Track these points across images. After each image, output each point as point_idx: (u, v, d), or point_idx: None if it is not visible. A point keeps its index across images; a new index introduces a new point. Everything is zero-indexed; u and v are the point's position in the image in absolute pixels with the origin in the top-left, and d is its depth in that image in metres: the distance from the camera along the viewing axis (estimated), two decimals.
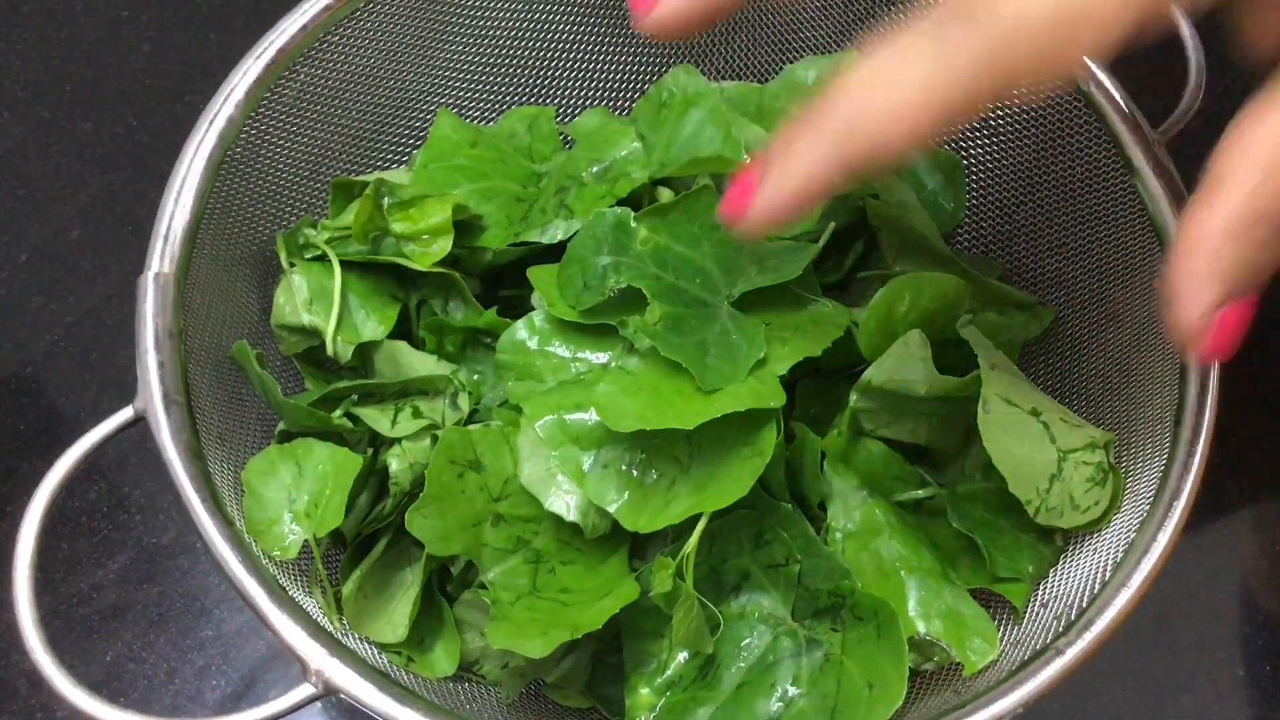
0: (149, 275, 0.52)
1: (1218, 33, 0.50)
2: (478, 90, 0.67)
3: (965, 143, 0.65)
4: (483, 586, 0.53)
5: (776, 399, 0.51)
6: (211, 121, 0.55)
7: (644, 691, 0.55)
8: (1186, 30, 0.59)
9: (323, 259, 0.59)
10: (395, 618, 0.54)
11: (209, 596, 0.66)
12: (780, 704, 0.53)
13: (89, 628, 0.65)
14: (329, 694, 0.46)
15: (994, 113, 0.63)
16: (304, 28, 0.58)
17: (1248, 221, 0.38)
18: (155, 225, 0.53)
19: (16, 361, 0.72)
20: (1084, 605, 0.49)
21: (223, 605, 0.66)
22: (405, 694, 0.46)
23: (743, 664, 0.54)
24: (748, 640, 0.55)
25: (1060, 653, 0.48)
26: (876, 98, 0.38)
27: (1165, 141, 0.57)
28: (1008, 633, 0.54)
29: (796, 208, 0.41)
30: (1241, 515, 0.69)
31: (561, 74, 0.68)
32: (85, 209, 0.76)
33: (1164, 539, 0.49)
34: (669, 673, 0.55)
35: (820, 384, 0.60)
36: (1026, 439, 0.52)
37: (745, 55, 0.68)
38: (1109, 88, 0.57)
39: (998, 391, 0.52)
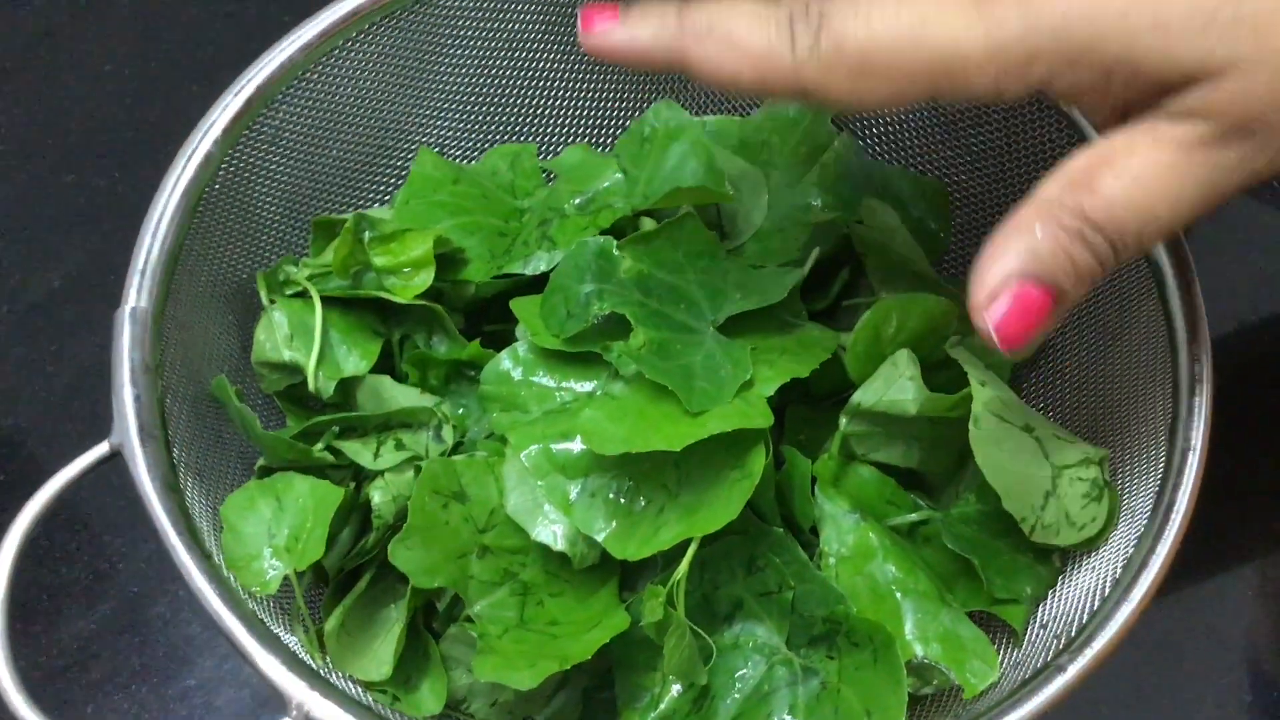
0: (125, 309, 0.51)
1: None
2: (459, 129, 0.67)
3: (950, 168, 0.65)
4: (469, 620, 0.52)
5: (764, 419, 0.50)
6: (190, 157, 0.55)
7: None
8: None
9: (303, 295, 0.59)
10: (380, 655, 0.53)
11: (191, 645, 0.65)
12: None
13: (69, 678, 0.64)
14: None
15: (978, 137, 0.63)
16: (283, 65, 0.58)
17: (1050, 206, 0.41)
18: (132, 259, 0.52)
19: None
20: (1084, 622, 0.48)
21: (205, 653, 0.65)
22: None
23: (738, 695, 0.53)
24: (742, 670, 0.53)
25: (1062, 670, 0.46)
26: (733, 39, 0.42)
27: None
28: (1008, 655, 0.52)
29: (624, 50, 0.45)
30: (1242, 535, 0.68)
31: (543, 112, 0.68)
32: (68, 261, 0.76)
33: (1163, 551, 0.48)
34: (662, 706, 0.53)
35: (809, 411, 0.60)
36: (1020, 455, 0.51)
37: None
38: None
39: (990, 407, 0.51)
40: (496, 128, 0.67)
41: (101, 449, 0.49)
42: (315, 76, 0.59)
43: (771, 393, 0.51)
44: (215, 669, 0.64)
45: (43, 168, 0.79)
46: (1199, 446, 0.50)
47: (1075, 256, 0.41)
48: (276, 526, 0.51)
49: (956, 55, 0.40)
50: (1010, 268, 0.41)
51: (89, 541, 0.68)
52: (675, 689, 0.53)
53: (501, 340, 0.61)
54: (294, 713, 0.44)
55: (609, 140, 0.69)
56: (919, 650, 0.51)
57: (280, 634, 0.49)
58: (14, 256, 0.76)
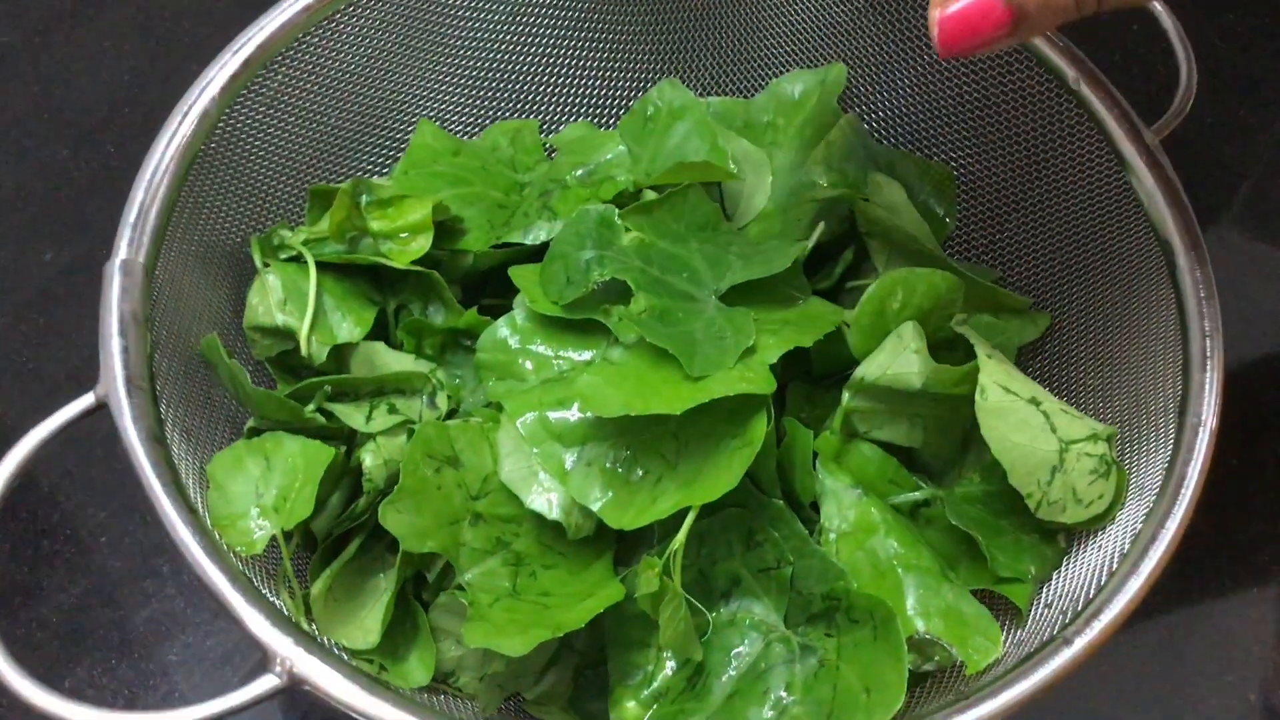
0: (115, 260, 0.50)
1: (1206, 37, 0.49)
2: (461, 103, 0.66)
3: (955, 152, 0.64)
4: (460, 589, 0.51)
5: (767, 384, 0.49)
6: (186, 113, 0.54)
7: (630, 705, 0.52)
8: (1174, 34, 0.59)
9: (298, 260, 0.57)
10: (367, 622, 0.51)
11: (174, 621, 0.63)
12: (773, 712, 0.50)
13: (48, 653, 0.62)
14: (294, 685, 0.43)
15: (985, 122, 0.62)
16: (283, 26, 0.57)
17: None
18: (124, 212, 0.51)
19: None
20: (1091, 596, 0.47)
21: (188, 629, 0.63)
22: (374, 684, 0.43)
23: (733, 672, 0.52)
24: (738, 648, 0.52)
25: (1068, 642, 0.45)
26: None
27: (1159, 140, 0.56)
28: (1011, 634, 0.51)
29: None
30: (1248, 538, 0.67)
31: (546, 88, 0.67)
32: (59, 234, 0.75)
33: (1173, 525, 0.47)
34: (656, 684, 0.52)
35: (811, 389, 0.58)
36: (1026, 428, 0.50)
37: (731, 70, 0.68)
38: (1098, 85, 0.56)
39: (996, 379, 0.50)
40: (498, 103, 0.67)
41: (86, 400, 0.47)
42: (316, 40, 0.59)
43: (774, 360, 0.50)
44: (198, 645, 0.63)
45: (38, 141, 0.78)
46: (1210, 423, 0.49)
47: None
48: (264, 486, 0.50)
49: None
50: None
51: (71, 514, 0.66)
52: (669, 666, 0.52)
53: (499, 314, 0.60)
54: (278, 669, 0.43)
55: (611, 120, 0.69)
56: (920, 625, 0.50)
57: (266, 595, 0.47)
58: (4, 225, 0.75)
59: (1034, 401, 0.51)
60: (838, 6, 0.63)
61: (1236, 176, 0.77)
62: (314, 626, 0.50)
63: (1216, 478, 0.66)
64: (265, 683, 0.43)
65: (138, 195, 0.52)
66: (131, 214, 0.51)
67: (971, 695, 0.44)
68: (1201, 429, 0.49)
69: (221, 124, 0.55)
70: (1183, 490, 0.48)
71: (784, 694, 0.50)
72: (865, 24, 0.64)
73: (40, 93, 0.80)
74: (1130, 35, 0.79)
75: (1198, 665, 0.64)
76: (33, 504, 0.66)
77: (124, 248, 0.51)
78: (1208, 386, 0.50)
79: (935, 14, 0.42)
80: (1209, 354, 0.51)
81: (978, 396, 0.50)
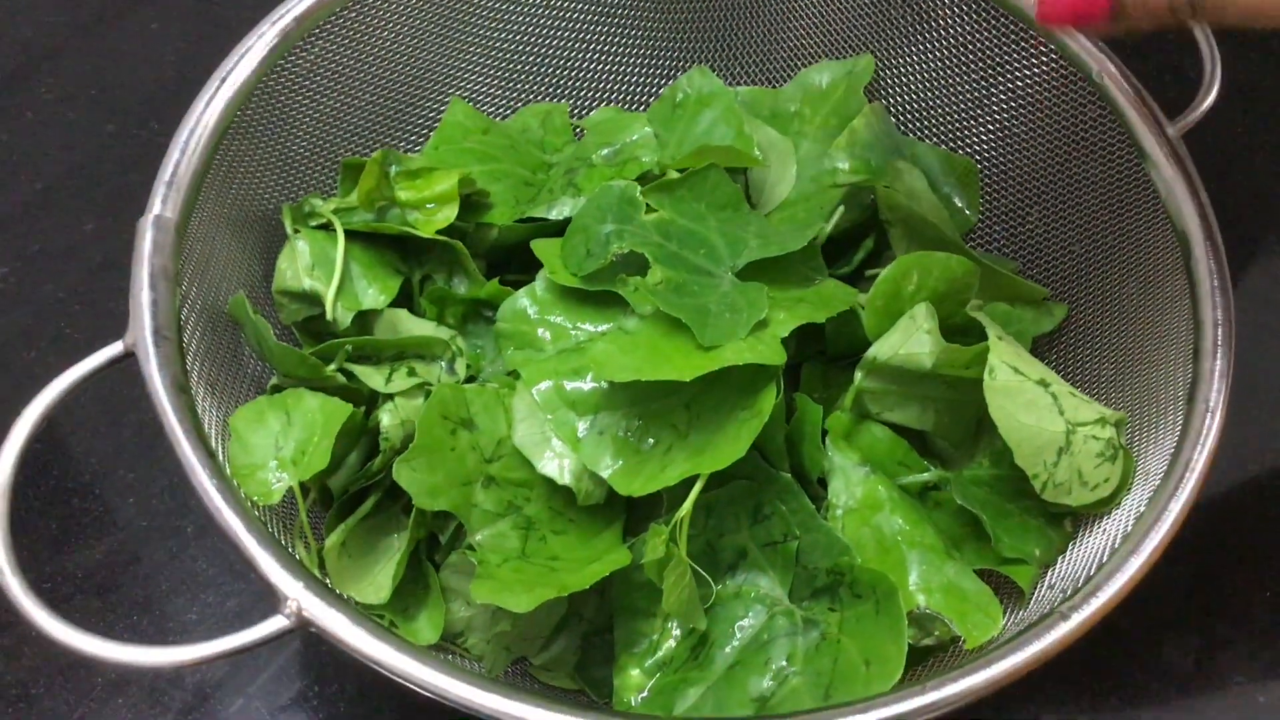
0: (149, 216, 0.52)
1: (1237, 43, 0.50)
2: (493, 85, 0.67)
3: (978, 145, 0.65)
4: (470, 549, 0.52)
5: (777, 356, 0.50)
6: (224, 80, 0.56)
7: (634, 673, 0.53)
8: (1200, 32, 0.59)
9: (327, 228, 0.59)
10: (379, 579, 0.52)
11: (196, 581, 0.65)
12: (773, 681, 0.51)
13: (71, 608, 0.64)
14: (303, 627, 0.44)
15: (1009, 115, 0.63)
16: (320, 1, 0.58)
17: None
18: (160, 170, 0.53)
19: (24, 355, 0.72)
20: (1092, 574, 0.47)
21: (210, 589, 0.64)
22: (381, 629, 0.44)
23: (736, 643, 0.52)
24: (742, 620, 0.53)
25: (1065, 617, 0.45)
26: None
27: (1180, 135, 0.57)
28: (1013, 615, 0.51)
29: None
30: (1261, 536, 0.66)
31: (577, 73, 0.68)
32: (101, 205, 0.77)
33: (1176, 508, 0.48)
34: (660, 653, 0.53)
35: (825, 370, 0.59)
36: (1034, 409, 0.51)
37: (760, 60, 0.69)
38: (1121, 78, 0.57)
39: (1005, 359, 0.51)
40: (530, 86, 0.68)
41: (114, 348, 0.49)
42: (353, 15, 0.60)
43: (786, 333, 0.51)
44: (217, 605, 0.64)
45: (85, 116, 0.80)
46: (1218, 408, 0.50)
47: None
48: (284, 439, 0.51)
49: None
50: None
51: (101, 475, 0.68)
52: (674, 635, 0.53)
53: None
54: (287, 610, 0.44)
55: (642, 105, 0.70)
56: (921, 599, 0.50)
57: (281, 543, 0.48)
58: (50, 197, 0.77)
59: (1043, 383, 0.51)
60: None
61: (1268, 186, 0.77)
62: (327, 579, 0.51)
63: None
64: (273, 623, 0.44)
65: (173, 155, 0.54)
66: (166, 173, 0.53)
67: (965, 664, 0.44)
68: (1209, 414, 0.50)
69: (257, 92, 0.57)
70: (1188, 474, 0.49)
71: (785, 664, 0.51)
72: (893, 15, 0.65)
73: (89, 72, 0.83)
74: (1156, 35, 0.79)
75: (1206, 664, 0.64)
76: (64, 464, 0.68)
77: (157, 204, 0.52)
78: (1217, 373, 0.50)
79: None
80: (1219, 342, 0.51)
81: (986, 376, 0.50)
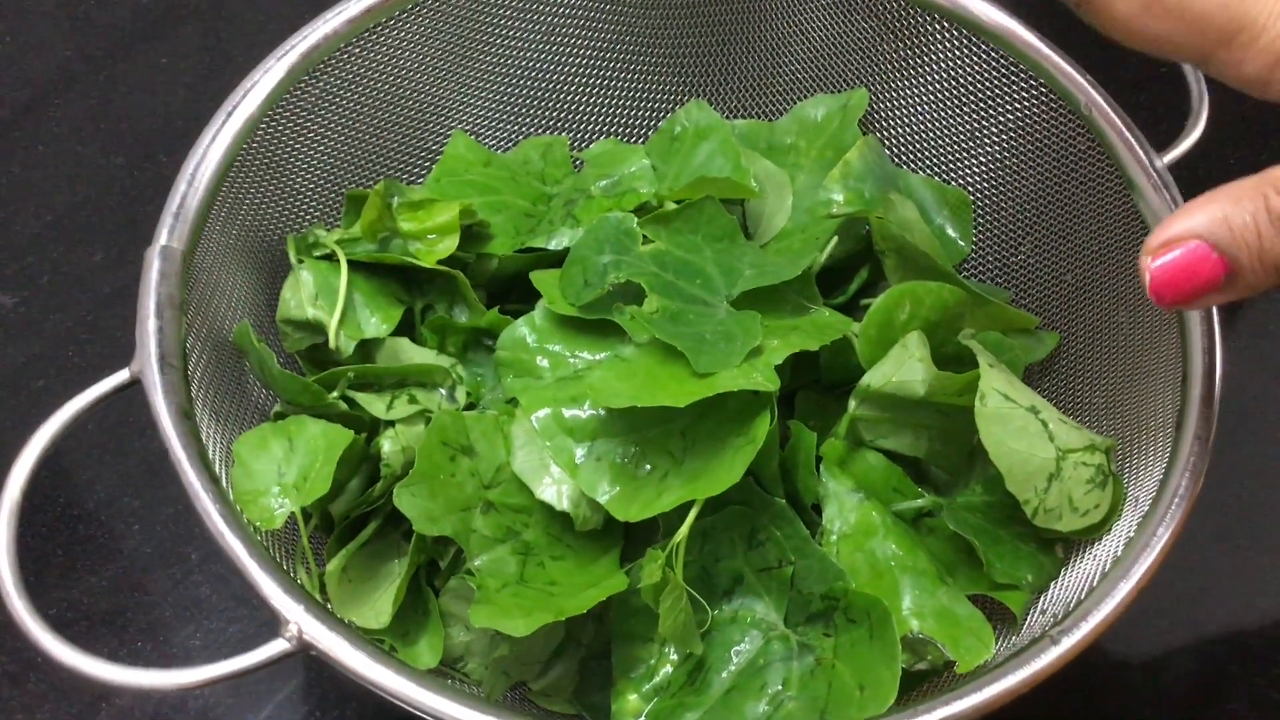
0: (156, 247, 0.53)
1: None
2: (494, 118, 0.68)
3: (971, 177, 0.66)
4: (470, 573, 0.52)
5: (771, 382, 0.51)
6: (231, 114, 0.57)
7: (631, 698, 0.54)
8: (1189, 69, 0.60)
9: (331, 258, 0.60)
10: (379, 604, 0.53)
11: (199, 608, 0.65)
12: (769, 706, 0.51)
13: (76, 633, 0.64)
14: (303, 650, 0.45)
15: (1002, 148, 0.64)
16: (326, 36, 0.60)
17: (1266, 184, 0.40)
18: (167, 201, 0.54)
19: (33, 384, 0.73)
20: (1083, 598, 0.48)
21: (213, 616, 0.65)
22: (381, 653, 0.45)
23: (732, 668, 0.53)
24: (739, 645, 0.53)
25: (1055, 641, 0.46)
26: None
27: (1168, 167, 0.58)
28: (1005, 640, 0.52)
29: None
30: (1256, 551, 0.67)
31: (577, 107, 0.69)
32: (109, 236, 0.78)
33: (1165, 533, 0.48)
34: (657, 678, 0.53)
35: (820, 398, 0.60)
36: (1024, 435, 0.51)
37: (756, 93, 0.70)
38: (1109, 110, 0.58)
39: (996, 386, 0.51)
40: (530, 120, 0.69)
41: (121, 376, 0.50)
42: (357, 51, 0.61)
43: (780, 360, 0.52)
44: (220, 630, 0.65)
45: (94, 149, 0.81)
46: (1206, 436, 0.50)
47: (1266, 238, 0.40)
48: (286, 465, 0.52)
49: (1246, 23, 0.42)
50: (1195, 225, 0.40)
51: (105, 502, 0.69)
52: (671, 660, 0.53)
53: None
54: (288, 633, 0.45)
55: (641, 138, 0.71)
56: (915, 624, 0.51)
57: (282, 566, 0.49)
58: (59, 229, 0.78)
59: (1033, 410, 0.52)
60: (860, 33, 0.66)
61: None
62: (328, 604, 0.52)
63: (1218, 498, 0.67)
64: (275, 646, 0.45)
65: (180, 187, 0.55)
66: (173, 203, 0.54)
67: (956, 688, 0.45)
68: (1197, 441, 0.50)
69: (263, 126, 0.58)
70: (1175, 500, 0.49)
71: (780, 689, 0.51)
72: (887, 51, 0.66)
73: (99, 105, 0.84)
74: (1145, 69, 0.80)
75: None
76: (69, 491, 0.69)
77: (164, 234, 0.53)
78: (1205, 400, 0.51)
79: (1145, 267, 0.42)
80: (1207, 369, 0.52)
81: (977, 402, 0.51)
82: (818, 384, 0.60)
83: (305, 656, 0.46)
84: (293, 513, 0.51)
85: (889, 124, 0.68)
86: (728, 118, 0.70)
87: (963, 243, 0.66)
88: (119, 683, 0.44)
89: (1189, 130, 0.59)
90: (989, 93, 0.63)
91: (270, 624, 0.46)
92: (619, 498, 0.52)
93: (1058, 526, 0.52)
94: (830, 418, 0.59)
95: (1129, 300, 0.58)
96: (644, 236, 0.58)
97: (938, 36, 0.63)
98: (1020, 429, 0.51)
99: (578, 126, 0.70)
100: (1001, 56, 0.62)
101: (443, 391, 0.57)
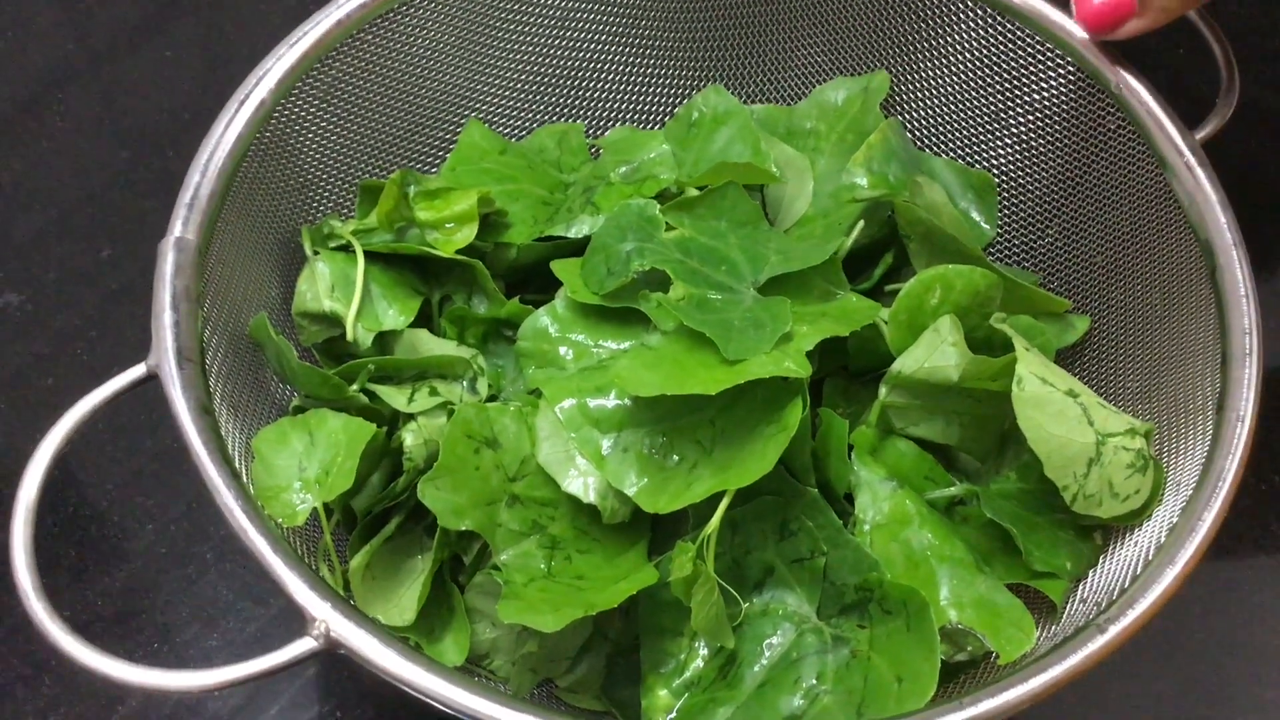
0: (170, 239, 0.52)
1: (1246, 40, 0.50)
2: (509, 106, 0.67)
3: (995, 159, 0.65)
4: (495, 568, 0.51)
5: (803, 368, 0.50)
6: (243, 102, 0.56)
7: (661, 693, 0.52)
8: (1214, 43, 0.59)
9: (347, 249, 0.59)
10: (404, 601, 0.52)
11: (215, 607, 0.64)
12: (804, 700, 0.50)
13: (91, 634, 0.62)
14: (331, 649, 0.44)
15: (1027, 128, 0.63)
16: (339, 22, 0.59)
17: None
18: (180, 193, 0.53)
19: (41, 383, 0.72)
20: (1127, 587, 0.47)
21: (229, 616, 0.64)
22: (410, 650, 0.44)
23: (765, 662, 0.52)
24: (770, 638, 0.52)
25: (1101, 630, 0.45)
26: None
27: (1200, 144, 0.56)
28: (1046, 629, 0.51)
29: None
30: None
31: (593, 93, 0.68)
32: (116, 232, 0.77)
33: (1210, 516, 0.47)
34: (688, 673, 0.52)
35: (849, 385, 0.59)
36: (1063, 420, 0.50)
37: (775, 78, 0.69)
38: (1141, 89, 0.57)
39: (1033, 370, 0.50)
40: (546, 107, 0.68)
41: (137, 370, 0.49)
42: (369, 38, 0.60)
43: (810, 346, 0.51)
44: (237, 631, 0.63)
45: (98, 144, 0.80)
46: (1248, 417, 0.49)
47: None
48: (308, 460, 0.50)
49: None
50: None
51: (119, 502, 0.67)
52: (702, 655, 0.52)
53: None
54: (315, 631, 0.44)
55: (657, 125, 0.70)
56: (953, 616, 0.50)
57: (307, 563, 0.48)
58: (65, 224, 0.77)
59: (1071, 394, 0.51)
60: (881, 14, 0.64)
61: None
62: (352, 601, 0.51)
63: (1259, 493, 0.66)
64: (302, 645, 0.44)
65: (193, 177, 0.54)
66: (187, 195, 0.53)
67: (1001, 679, 0.44)
68: (1240, 423, 0.49)
69: (276, 115, 0.57)
70: (1220, 483, 0.48)
71: (815, 682, 0.50)
72: (908, 32, 0.64)
73: (104, 100, 0.83)
74: (1178, 43, 0.79)
75: (1237, 681, 0.63)
76: (81, 491, 0.68)
77: (178, 226, 0.52)
78: (1247, 382, 0.50)
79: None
80: (1249, 350, 0.51)
81: (1014, 387, 0.50)
82: (845, 371, 0.59)
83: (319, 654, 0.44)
84: (315, 509, 0.49)
85: (911, 106, 0.67)
86: (746, 102, 0.69)
87: (987, 226, 0.65)
88: (144, 685, 0.43)
89: (1222, 106, 0.58)
90: (1014, 73, 0.62)
91: (287, 623, 0.45)
92: (647, 489, 0.51)
93: (1098, 513, 0.51)
94: (859, 405, 0.58)
95: (1163, 282, 0.57)
96: (666, 223, 0.57)
97: (961, 16, 0.62)
98: (1059, 413, 0.50)
99: (593, 113, 0.69)
100: (1028, 36, 0.60)
101: (464, 383, 0.56)
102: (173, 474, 0.68)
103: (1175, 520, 0.48)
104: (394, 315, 0.58)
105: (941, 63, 0.64)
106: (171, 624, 0.64)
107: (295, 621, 0.45)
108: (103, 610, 0.64)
